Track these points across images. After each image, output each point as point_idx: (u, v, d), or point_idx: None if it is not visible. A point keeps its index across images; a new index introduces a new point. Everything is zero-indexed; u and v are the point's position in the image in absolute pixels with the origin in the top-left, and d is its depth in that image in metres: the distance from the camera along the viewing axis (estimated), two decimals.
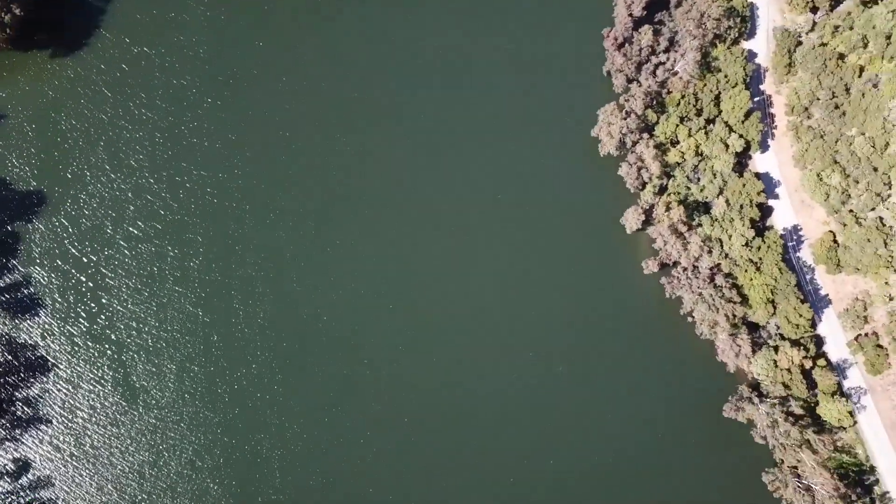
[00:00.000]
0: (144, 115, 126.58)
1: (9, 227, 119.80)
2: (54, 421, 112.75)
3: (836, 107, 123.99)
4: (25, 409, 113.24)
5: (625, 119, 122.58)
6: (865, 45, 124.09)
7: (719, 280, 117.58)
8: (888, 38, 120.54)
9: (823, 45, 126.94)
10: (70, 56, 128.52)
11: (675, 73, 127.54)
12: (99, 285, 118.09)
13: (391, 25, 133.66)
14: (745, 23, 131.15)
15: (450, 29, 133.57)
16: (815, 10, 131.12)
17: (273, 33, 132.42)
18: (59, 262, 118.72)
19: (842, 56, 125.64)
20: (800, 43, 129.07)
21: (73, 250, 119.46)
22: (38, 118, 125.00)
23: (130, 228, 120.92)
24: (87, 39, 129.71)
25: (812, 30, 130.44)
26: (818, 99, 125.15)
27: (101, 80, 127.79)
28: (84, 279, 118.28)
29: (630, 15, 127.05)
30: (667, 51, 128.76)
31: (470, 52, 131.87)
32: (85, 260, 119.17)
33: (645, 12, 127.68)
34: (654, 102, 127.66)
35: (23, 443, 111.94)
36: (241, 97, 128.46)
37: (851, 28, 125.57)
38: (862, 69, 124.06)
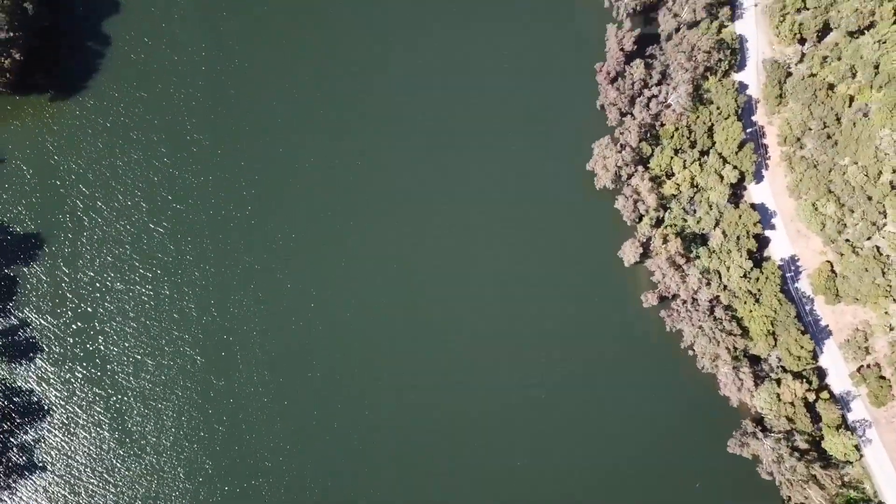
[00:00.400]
0: (142, 157, 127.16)
1: (6, 271, 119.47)
2: (49, 468, 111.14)
3: (828, 136, 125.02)
4: (20, 455, 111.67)
5: (619, 152, 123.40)
6: (854, 75, 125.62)
7: (719, 312, 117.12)
8: (876, 67, 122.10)
9: (813, 75, 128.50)
10: (68, 99, 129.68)
11: (668, 106, 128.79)
12: (96, 329, 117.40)
13: (386, 77, 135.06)
14: (735, 55, 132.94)
15: (439, 70, 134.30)
16: (802, 41, 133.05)
17: (268, 74, 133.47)
18: (57, 306, 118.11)
19: (831, 86, 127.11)
20: (789, 74, 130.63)
21: (70, 294, 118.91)
22: (36, 161, 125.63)
23: (128, 271, 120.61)
24: (85, 82, 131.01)
25: (801, 61, 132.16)
26: (810, 129, 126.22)
27: (98, 122, 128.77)
28: (81, 323, 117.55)
29: (621, 49, 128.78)
30: (659, 84, 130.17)
31: (463, 93, 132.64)
32: (82, 304, 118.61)
33: (636, 46, 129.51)
34: (648, 135, 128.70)
35: (17, 491, 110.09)
36: (238, 139, 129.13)
37: (839, 58, 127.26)
38: (852, 99, 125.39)
